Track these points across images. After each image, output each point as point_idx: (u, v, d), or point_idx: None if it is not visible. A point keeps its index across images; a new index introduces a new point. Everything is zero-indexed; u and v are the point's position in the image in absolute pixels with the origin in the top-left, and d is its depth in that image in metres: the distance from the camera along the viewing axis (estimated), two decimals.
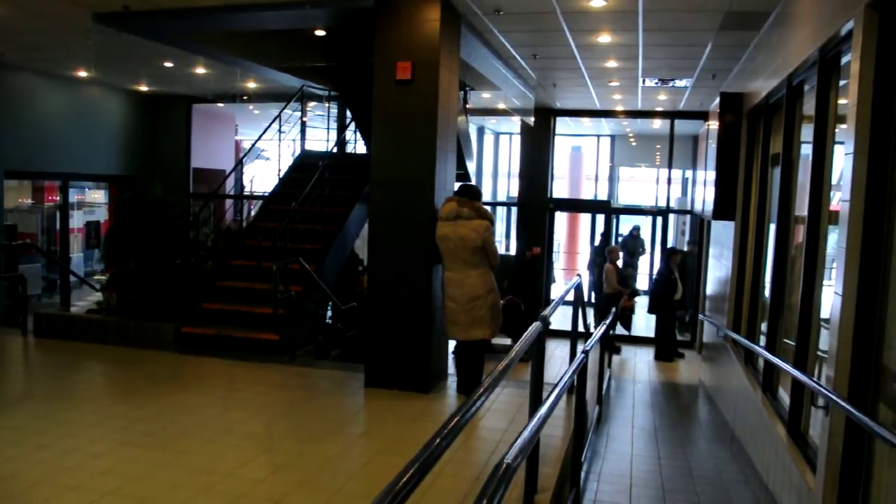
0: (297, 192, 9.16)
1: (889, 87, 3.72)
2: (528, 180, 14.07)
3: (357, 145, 12.10)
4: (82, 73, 11.36)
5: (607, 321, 9.05)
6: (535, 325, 3.86)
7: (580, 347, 5.47)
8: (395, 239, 6.36)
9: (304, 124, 12.13)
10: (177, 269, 8.57)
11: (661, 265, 12.16)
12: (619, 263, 12.91)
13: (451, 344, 6.90)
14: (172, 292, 8.41)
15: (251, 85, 11.97)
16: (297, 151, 12.21)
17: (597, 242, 15.19)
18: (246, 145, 18.52)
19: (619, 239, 16.29)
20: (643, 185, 20.93)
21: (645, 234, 16.49)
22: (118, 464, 4.53)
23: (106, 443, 4.89)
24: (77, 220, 14.16)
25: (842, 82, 4.68)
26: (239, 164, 13.71)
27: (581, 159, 21.12)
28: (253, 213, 12.88)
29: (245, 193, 14.84)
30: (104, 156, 12.84)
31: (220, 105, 14.24)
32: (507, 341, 10.12)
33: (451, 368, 6.96)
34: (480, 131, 19.08)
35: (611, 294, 12.14)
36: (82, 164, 12.39)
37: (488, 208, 6.46)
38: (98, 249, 12.93)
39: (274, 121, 11.39)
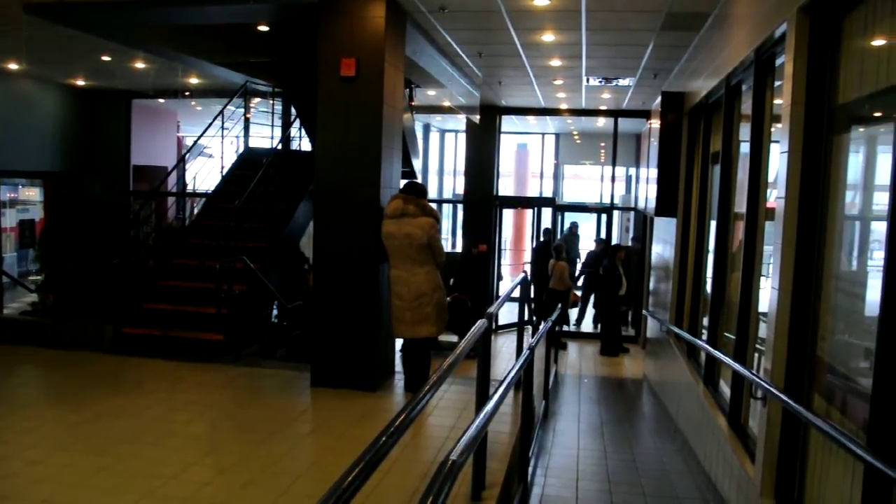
0: (240, 190, 9.01)
1: (820, 87, 3.85)
2: (473, 177, 14.13)
3: (302, 142, 11.96)
4: (13, 66, 10.97)
5: (553, 317, 9.16)
6: (481, 322, 3.88)
7: (526, 343, 5.51)
8: (341, 237, 6.33)
9: (247, 121, 11.94)
10: (116, 269, 8.35)
11: (606, 261, 12.34)
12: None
13: (398, 342, 6.88)
14: (112, 293, 8.19)
15: (193, 80, 11.72)
16: (241, 148, 12.02)
17: (538, 240, 15.23)
18: (188, 142, 18.15)
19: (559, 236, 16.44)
20: (588, 182, 21.19)
21: (591, 231, 16.68)
22: (55, 470, 4.39)
23: (42, 449, 4.74)
24: (10, 219, 13.68)
25: (777, 83, 4.81)
26: (181, 162, 13.41)
27: (526, 157, 21.26)
28: (196, 211, 12.62)
29: (188, 191, 14.54)
30: (38, 152, 12.40)
31: (161, 101, 13.88)
32: (454, 339, 10.15)
33: (399, 366, 6.95)
34: (426, 129, 19.10)
35: (559, 291, 12.27)
36: (14, 161, 11.94)
37: (434, 206, 6.47)
38: (33, 249, 12.51)
39: (217, 117, 11.18)
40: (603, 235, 14.68)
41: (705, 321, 7.00)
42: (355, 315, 6.32)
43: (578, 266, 14.94)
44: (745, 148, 5.61)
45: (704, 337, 6.82)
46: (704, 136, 7.53)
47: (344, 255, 6.33)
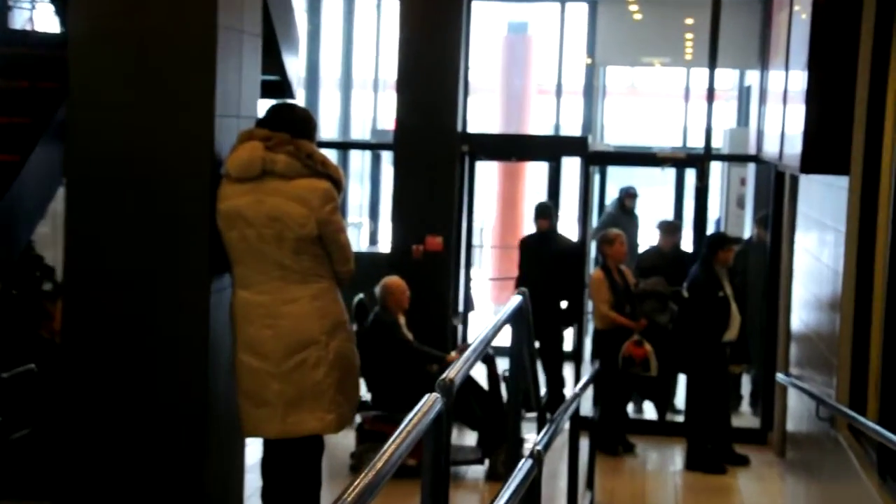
0: None
1: None
2: (413, 97, 14.12)
3: (38, 14, 11.86)
4: None
5: (582, 385, 9.18)
6: (429, 400, 3.81)
7: (529, 442, 5.47)
8: (125, 221, 6.30)
9: None
10: None
11: (697, 270, 12.40)
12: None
13: (253, 446, 6.85)
14: None
15: None
16: None
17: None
18: None
19: (603, 212, 16.61)
20: (656, 102, 21.38)
21: (664, 206, 16.81)
22: None
23: None
24: None
25: None
26: None
27: (527, 51, 21.41)
28: None
29: None
30: None
31: None
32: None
33: (254, 500, 6.91)
34: None
35: (603, 331, 12.34)
36: None
37: (331, 155, 6.42)
38: None
39: None
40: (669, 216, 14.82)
41: None
42: (155, 392, 6.29)
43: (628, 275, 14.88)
44: None
45: None
46: None
47: (131, 259, 6.31)
